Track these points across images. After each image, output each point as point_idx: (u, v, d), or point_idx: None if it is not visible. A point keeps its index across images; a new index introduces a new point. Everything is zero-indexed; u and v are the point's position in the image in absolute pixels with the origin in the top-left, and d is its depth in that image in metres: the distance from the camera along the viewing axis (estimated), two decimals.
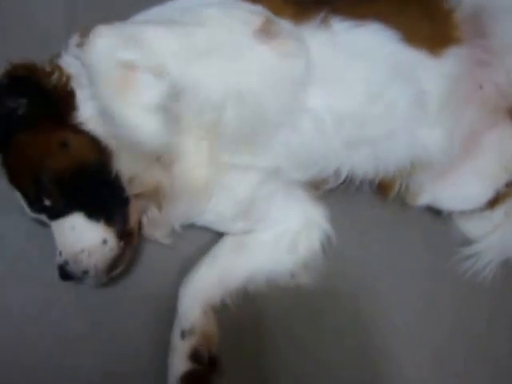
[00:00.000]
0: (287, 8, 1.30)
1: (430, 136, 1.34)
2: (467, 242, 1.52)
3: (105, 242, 1.29)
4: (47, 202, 1.28)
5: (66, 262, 1.28)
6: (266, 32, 1.20)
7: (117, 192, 1.30)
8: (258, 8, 1.24)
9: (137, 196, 1.34)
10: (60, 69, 1.30)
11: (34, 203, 1.31)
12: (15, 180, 1.32)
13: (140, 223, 1.40)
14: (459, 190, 1.47)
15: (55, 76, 1.28)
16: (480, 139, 1.42)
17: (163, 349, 1.34)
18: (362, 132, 1.31)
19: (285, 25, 1.25)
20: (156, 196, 1.35)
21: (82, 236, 1.28)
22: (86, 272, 1.29)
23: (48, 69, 1.30)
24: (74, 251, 1.27)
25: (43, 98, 1.27)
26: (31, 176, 1.28)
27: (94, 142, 1.27)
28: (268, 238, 1.44)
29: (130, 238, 1.36)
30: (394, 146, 1.34)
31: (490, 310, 1.47)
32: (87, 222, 1.28)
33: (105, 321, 1.43)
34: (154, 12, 1.33)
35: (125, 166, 1.28)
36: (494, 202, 1.48)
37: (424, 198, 1.47)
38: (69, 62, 1.31)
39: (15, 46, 1.62)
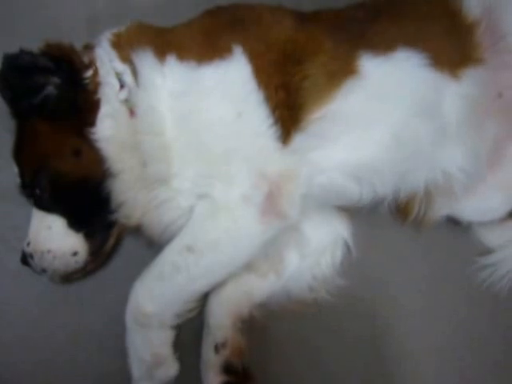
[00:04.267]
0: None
1: (451, 159, 1.35)
2: (485, 251, 1.53)
3: (75, 253, 1.33)
4: (38, 192, 1.31)
5: (30, 255, 1.32)
6: (265, 210, 1.24)
7: (106, 213, 1.33)
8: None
9: (121, 225, 1.37)
10: (95, 68, 1.32)
11: (26, 187, 1.34)
12: (18, 157, 1.34)
13: (113, 247, 1.44)
14: (480, 201, 1.48)
15: (89, 73, 1.31)
16: (502, 150, 1.43)
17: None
18: (386, 170, 1.33)
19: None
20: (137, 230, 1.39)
21: (56, 239, 1.31)
22: (44, 271, 1.33)
23: (86, 60, 1.32)
24: (42, 249, 1.31)
25: (75, 89, 1.29)
26: (34, 164, 1.31)
27: (102, 162, 1.29)
28: (295, 258, 1.46)
29: (98, 257, 1.40)
30: (415, 173, 1.36)
31: (508, 321, 1.49)
32: (66, 229, 1.31)
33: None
34: None
35: (119, 190, 1.31)
36: None
37: (444, 210, 1.48)
38: (102, 59, 1.33)
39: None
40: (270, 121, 1.25)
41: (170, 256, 1.26)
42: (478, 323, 1.49)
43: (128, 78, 1.31)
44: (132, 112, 1.31)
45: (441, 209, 1.46)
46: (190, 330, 1.33)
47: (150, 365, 1.25)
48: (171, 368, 1.27)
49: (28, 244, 1.33)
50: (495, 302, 1.49)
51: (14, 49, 1.27)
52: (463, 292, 1.51)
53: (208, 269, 1.27)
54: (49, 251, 1.31)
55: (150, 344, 1.25)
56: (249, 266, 1.34)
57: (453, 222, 1.53)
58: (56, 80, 1.28)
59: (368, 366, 1.44)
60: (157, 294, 1.25)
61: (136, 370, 1.26)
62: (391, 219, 1.51)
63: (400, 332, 1.46)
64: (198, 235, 1.26)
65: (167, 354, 1.26)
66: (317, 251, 1.47)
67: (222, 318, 1.38)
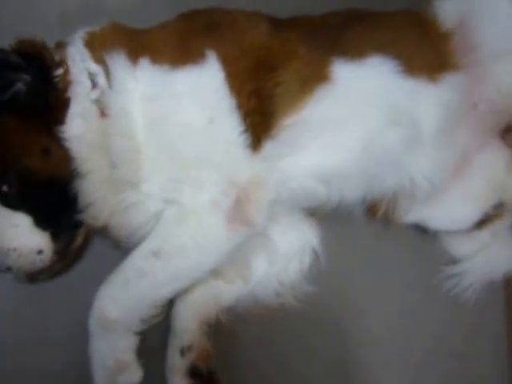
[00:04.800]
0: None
1: (419, 166, 1.36)
2: (453, 260, 1.55)
3: (40, 252, 1.30)
4: (4, 189, 1.29)
5: None
6: (233, 217, 1.24)
7: (73, 213, 1.32)
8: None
9: (88, 226, 1.36)
10: (66, 67, 1.30)
11: None
12: None
13: (81, 248, 1.43)
14: (447, 210, 1.49)
15: (60, 71, 1.29)
16: (470, 161, 1.44)
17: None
18: (355, 176, 1.34)
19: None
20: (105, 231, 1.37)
21: (22, 237, 1.29)
22: (9, 269, 1.31)
23: (57, 58, 1.30)
24: (7, 246, 1.28)
25: (45, 87, 1.28)
26: (1, 161, 1.28)
27: (70, 161, 1.28)
28: (263, 264, 1.46)
29: (64, 257, 1.38)
30: (384, 178, 1.37)
31: (471, 329, 1.52)
32: (32, 227, 1.29)
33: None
34: None
35: (87, 191, 1.30)
36: (481, 224, 1.51)
37: (411, 217, 1.50)
38: (73, 59, 1.31)
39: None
40: (241, 128, 1.24)
41: (136, 261, 1.26)
42: (444, 331, 1.51)
43: (101, 79, 1.29)
44: (103, 113, 1.29)
45: (405, 212, 1.47)
46: (153, 336, 1.32)
47: (112, 371, 1.24)
48: (134, 374, 1.26)
49: None
50: (461, 311, 1.51)
51: None
52: (429, 300, 1.53)
53: (174, 274, 1.27)
54: (14, 249, 1.29)
55: (113, 350, 1.24)
56: (216, 272, 1.34)
57: (420, 231, 1.54)
58: (26, 77, 1.26)
59: (333, 372, 1.45)
60: (122, 300, 1.24)
61: (99, 376, 1.25)
62: (359, 227, 1.52)
63: (365, 339, 1.48)
64: (165, 240, 1.25)
65: (131, 360, 1.25)
66: (285, 257, 1.47)
67: (188, 322, 1.38)
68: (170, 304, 1.36)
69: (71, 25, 1.38)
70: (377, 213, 1.46)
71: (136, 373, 1.26)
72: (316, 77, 1.28)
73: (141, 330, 1.27)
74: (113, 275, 1.26)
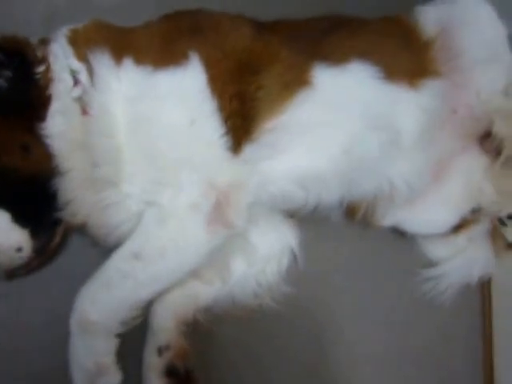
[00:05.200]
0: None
1: (398, 171, 1.37)
2: (430, 263, 1.57)
3: (19, 249, 1.30)
4: None
5: None
6: (213, 219, 1.24)
7: (52, 210, 1.32)
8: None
9: (67, 223, 1.36)
10: (48, 64, 1.30)
11: None
12: None
13: (59, 245, 1.43)
14: (424, 214, 1.51)
15: (42, 68, 1.29)
16: (448, 166, 1.46)
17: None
18: (334, 180, 1.35)
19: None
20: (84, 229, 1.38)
21: (0, 234, 1.28)
22: None
23: (40, 55, 1.30)
24: None
25: (26, 83, 1.27)
26: None
27: (50, 158, 1.28)
28: (241, 265, 1.46)
29: (43, 254, 1.38)
30: (363, 182, 1.38)
31: (446, 331, 1.54)
32: (10, 224, 1.29)
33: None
34: None
35: (67, 188, 1.30)
36: (458, 228, 1.53)
37: (389, 220, 1.51)
38: (56, 56, 1.30)
39: None
40: (222, 130, 1.25)
41: (116, 263, 1.26)
42: (419, 333, 1.54)
43: (83, 77, 1.29)
44: (85, 111, 1.29)
45: (383, 215, 1.48)
46: (129, 336, 1.30)
47: (92, 373, 1.23)
48: (113, 377, 1.25)
49: None
50: (437, 314, 1.53)
51: None
52: (405, 302, 1.55)
53: (155, 276, 1.27)
54: None
55: (93, 352, 1.24)
56: (195, 273, 1.35)
57: (398, 234, 1.56)
58: (7, 73, 1.26)
59: (310, 374, 1.46)
60: (103, 301, 1.24)
61: (78, 378, 1.25)
62: (338, 229, 1.53)
63: (341, 340, 1.49)
64: (146, 242, 1.26)
65: (110, 363, 1.25)
66: (263, 258, 1.48)
67: (166, 321, 1.38)
68: (149, 304, 1.36)
69: (58, 22, 1.38)
70: (355, 215, 1.47)
71: (115, 375, 1.26)
72: (297, 81, 1.29)
73: (119, 334, 1.27)
74: (93, 277, 1.26)
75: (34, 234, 1.32)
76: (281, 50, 1.31)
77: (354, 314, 1.52)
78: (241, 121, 1.27)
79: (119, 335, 1.26)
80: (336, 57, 1.32)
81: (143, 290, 1.27)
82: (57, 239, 1.40)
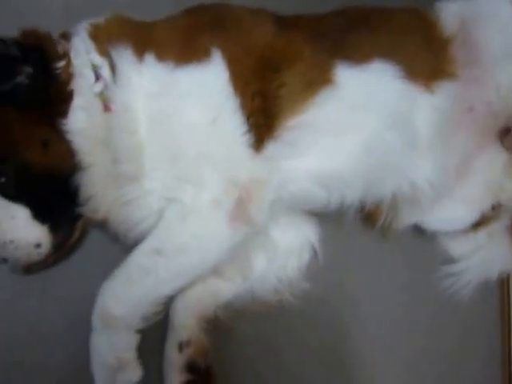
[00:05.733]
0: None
1: (419, 171, 1.36)
2: (449, 260, 1.56)
3: (38, 245, 1.30)
4: (2, 180, 1.28)
5: None
6: (235, 216, 1.24)
7: (73, 206, 1.32)
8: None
9: (87, 219, 1.37)
10: (69, 59, 1.30)
11: None
12: None
13: (77, 241, 1.43)
14: (444, 212, 1.50)
15: (62, 63, 1.29)
16: (468, 163, 1.45)
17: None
18: (355, 180, 1.34)
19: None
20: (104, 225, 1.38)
21: (19, 229, 1.28)
22: (5, 260, 1.31)
23: (60, 50, 1.30)
24: (4, 238, 1.28)
25: (47, 79, 1.27)
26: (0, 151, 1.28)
27: (71, 155, 1.28)
28: (262, 261, 1.47)
29: (61, 250, 1.38)
30: (384, 183, 1.37)
31: (466, 328, 1.53)
32: (30, 220, 1.29)
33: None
34: None
35: (88, 184, 1.30)
36: (478, 224, 1.53)
37: (411, 220, 1.50)
38: (77, 50, 1.30)
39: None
40: (244, 128, 1.25)
41: (138, 259, 1.26)
42: (438, 330, 1.53)
43: (105, 72, 1.29)
44: (106, 107, 1.29)
45: (407, 217, 1.47)
46: (151, 336, 1.32)
47: (113, 368, 1.24)
48: (134, 373, 1.26)
49: None
50: (456, 310, 1.53)
51: None
52: (425, 299, 1.54)
53: (176, 272, 1.27)
54: (11, 241, 1.28)
55: (114, 347, 1.24)
56: (216, 270, 1.35)
57: (419, 231, 1.55)
58: (28, 69, 1.26)
59: (328, 370, 1.46)
60: (124, 297, 1.25)
61: (98, 373, 1.25)
62: (358, 226, 1.53)
63: (362, 337, 1.49)
64: (167, 238, 1.26)
65: (131, 359, 1.25)
66: (284, 255, 1.48)
67: (186, 317, 1.39)
68: (169, 300, 1.36)
69: (76, 15, 1.38)
70: (376, 222, 1.47)
71: (136, 371, 1.26)
72: (320, 80, 1.28)
73: (140, 330, 1.27)
74: (115, 272, 1.26)
75: (54, 230, 1.32)
76: (303, 48, 1.30)
77: (373, 310, 1.52)
78: (263, 118, 1.27)
79: (140, 331, 1.27)
80: (358, 56, 1.31)
81: (164, 286, 1.28)
82: (76, 235, 1.40)
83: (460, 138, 1.40)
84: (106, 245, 1.47)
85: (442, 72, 1.35)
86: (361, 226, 1.53)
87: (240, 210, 1.24)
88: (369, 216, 1.47)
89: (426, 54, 1.36)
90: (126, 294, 1.25)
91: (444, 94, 1.34)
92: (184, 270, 1.28)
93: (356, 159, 1.32)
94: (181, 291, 1.37)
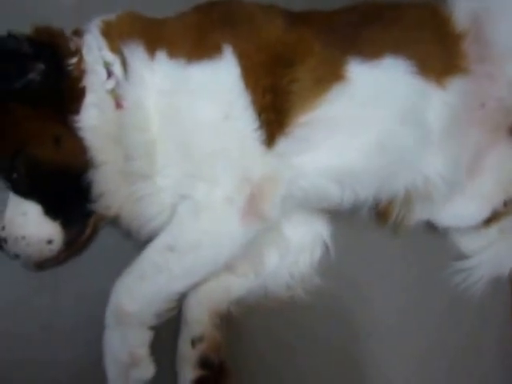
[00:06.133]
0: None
1: (432, 167, 1.36)
2: (461, 256, 1.56)
3: (50, 242, 1.32)
4: (15, 177, 1.30)
5: (4, 239, 1.31)
6: (247, 212, 1.25)
7: (85, 203, 1.33)
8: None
9: (99, 215, 1.38)
10: (81, 55, 1.30)
11: (3, 170, 1.32)
12: None
13: (89, 238, 1.44)
14: (457, 208, 1.49)
15: (74, 60, 1.30)
16: (479, 159, 1.45)
17: None
18: (368, 175, 1.34)
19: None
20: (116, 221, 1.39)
21: (31, 225, 1.30)
22: (17, 256, 1.33)
23: (73, 47, 1.31)
24: (16, 234, 1.30)
25: (59, 76, 1.28)
26: (12, 148, 1.29)
27: (83, 151, 1.29)
28: (274, 257, 1.47)
29: (73, 247, 1.40)
30: (396, 178, 1.37)
31: (476, 323, 1.53)
32: (42, 216, 1.31)
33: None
34: None
35: (100, 181, 1.31)
36: (489, 220, 1.52)
37: (423, 216, 1.49)
38: (90, 47, 1.31)
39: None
40: (256, 124, 1.25)
41: (151, 255, 1.27)
42: (450, 325, 1.52)
43: (117, 69, 1.30)
44: (118, 104, 1.30)
45: (419, 213, 1.47)
46: (164, 332, 1.32)
47: (126, 365, 1.24)
48: (147, 370, 1.25)
49: (2, 228, 1.32)
50: (467, 306, 1.52)
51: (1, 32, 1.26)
52: (437, 295, 1.54)
53: (189, 269, 1.28)
54: (23, 237, 1.30)
55: (127, 343, 1.24)
56: (228, 266, 1.35)
57: (431, 227, 1.55)
58: (40, 66, 1.27)
59: (340, 365, 1.46)
60: (137, 294, 1.25)
61: (111, 369, 1.25)
62: (370, 221, 1.52)
63: (373, 333, 1.49)
64: (180, 235, 1.26)
65: (144, 355, 1.25)
66: (296, 250, 1.48)
67: (199, 313, 1.39)
68: (182, 297, 1.36)
69: (88, 13, 1.39)
70: (389, 218, 1.47)
71: (149, 368, 1.25)
72: (331, 75, 1.28)
73: (154, 326, 1.27)
74: (129, 269, 1.27)
75: (66, 227, 1.34)
76: (315, 44, 1.30)
77: (385, 306, 1.51)
78: (274, 114, 1.27)
79: (153, 328, 1.27)
80: (370, 51, 1.30)
81: (177, 283, 1.28)
82: (88, 232, 1.41)
83: (472, 134, 1.40)
84: (118, 241, 1.48)
85: (454, 67, 1.35)
86: (373, 222, 1.53)
87: (252, 207, 1.25)
88: (381, 212, 1.47)
89: (438, 49, 1.36)
90: (140, 291, 1.25)
91: (456, 90, 1.34)
92: (197, 267, 1.29)
93: (368, 155, 1.31)
94: (194, 287, 1.37)
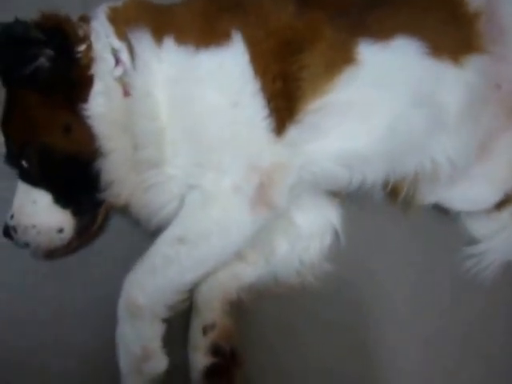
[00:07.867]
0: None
1: (442, 148, 1.34)
2: (472, 240, 1.55)
3: (60, 230, 1.33)
4: (24, 165, 1.30)
5: (13, 228, 1.32)
6: (256, 201, 1.24)
7: (94, 191, 1.33)
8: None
9: (109, 204, 1.38)
10: (90, 42, 1.29)
11: (12, 158, 1.32)
12: (6, 127, 1.33)
13: (99, 227, 1.44)
14: (468, 191, 1.49)
15: (83, 47, 1.28)
16: (492, 142, 1.43)
17: None
18: (378, 159, 1.33)
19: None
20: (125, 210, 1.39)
21: (41, 214, 1.31)
22: (27, 244, 1.33)
23: (81, 33, 1.29)
24: (26, 223, 1.31)
25: (68, 62, 1.27)
26: (22, 135, 1.30)
27: (92, 139, 1.28)
28: (284, 244, 1.47)
29: (84, 236, 1.40)
30: (407, 160, 1.36)
31: (487, 308, 1.52)
32: (52, 205, 1.31)
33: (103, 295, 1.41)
34: None
35: (109, 169, 1.30)
36: (501, 204, 1.51)
37: (432, 198, 1.49)
38: (97, 34, 1.30)
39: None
40: (265, 112, 1.23)
41: (161, 248, 1.26)
42: (461, 310, 1.51)
43: (124, 56, 1.29)
44: (126, 92, 1.29)
45: (427, 194, 1.46)
46: (176, 325, 1.33)
47: (138, 358, 1.23)
48: (160, 363, 1.24)
49: (11, 217, 1.33)
50: (478, 291, 1.51)
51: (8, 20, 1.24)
52: (447, 280, 1.53)
53: (200, 259, 1.27)
54: (33, 226, 1.31)
55: (140, 336, 1.23)
56: (239, 254, 1.35)
57: (442, 211, 1.54)
58: (49, 52, 1.26)
59: (351, 350, 1.46)
60: (149, 286, 1.24)
61: (124, 362, 1.24)
62: (380, 207, 1.51)
63: (385, 319, 1.48)
64: (189, 226, 1.26)
65: (157, 348, 1.24)
66: (306, 237, 1.48)
67: (211, 300, 1.39)
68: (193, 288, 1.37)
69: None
70: (398, 196, 1.45)
71: (162, 361, 1.24)
72: (342, 59, 1.26)
73: (166, 318, 1.27)
74: (140, 262, 1.26)
75: (76, 215, 1.34)
76: (324, 28, 1.27)
77: (395, 291, 1.51)
78: (284, 102, 1.25)
79: (166, 321, 1.27)
80: (381, 33, 1.28)
81: (188, 274, 1.28)
82: (98, 221, 1.41)
83: (486, 116, 1.38)
84: (128, 230, 1.48)
85: (470, 46, 1.33)
86: (382, 207, 1.52)
87: (261, 195, 1.24)
88: (390, 191, 1.45)
89: (452, 29, 1.33)
90: (151, 284, 1.24)
91: (473, 68, 1.31)
92: (207, 257, 1.28)
93: (380, 139, 1.30)
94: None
